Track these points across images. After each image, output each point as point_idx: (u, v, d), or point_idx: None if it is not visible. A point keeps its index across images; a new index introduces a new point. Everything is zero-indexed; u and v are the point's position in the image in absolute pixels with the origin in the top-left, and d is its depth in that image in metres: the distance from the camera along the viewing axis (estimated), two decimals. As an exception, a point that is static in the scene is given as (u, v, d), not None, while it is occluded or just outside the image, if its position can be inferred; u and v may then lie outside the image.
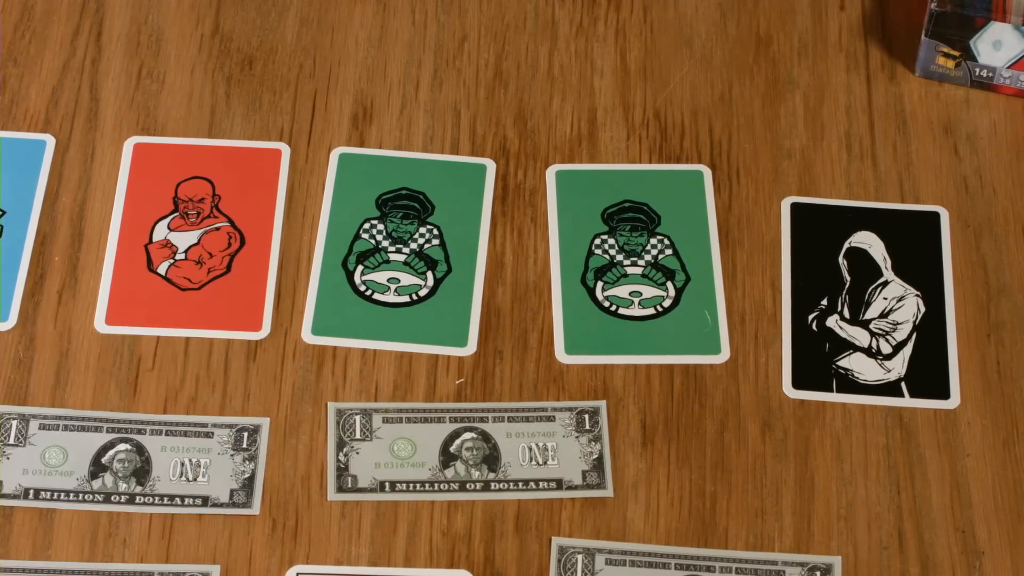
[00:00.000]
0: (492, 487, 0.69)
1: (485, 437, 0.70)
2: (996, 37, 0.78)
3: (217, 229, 0.76)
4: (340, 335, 0.73)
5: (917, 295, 0.74)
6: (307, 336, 0.73)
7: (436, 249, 0.76)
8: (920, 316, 0.74)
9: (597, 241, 0.76)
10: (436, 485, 0.68)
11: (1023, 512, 0.68)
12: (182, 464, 0.69)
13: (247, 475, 0.68)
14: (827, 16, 0.84)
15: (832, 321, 0.74)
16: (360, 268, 0.75)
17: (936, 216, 0.77)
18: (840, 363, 0.72)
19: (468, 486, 0.68)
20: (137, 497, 0.68)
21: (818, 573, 0.66)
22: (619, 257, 0.76)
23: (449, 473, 0.69)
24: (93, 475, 0.68)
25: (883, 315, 0.74)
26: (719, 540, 0.68)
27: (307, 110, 0.80)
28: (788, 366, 0.72)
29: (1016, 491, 0.69)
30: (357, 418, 0.70)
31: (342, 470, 0.69)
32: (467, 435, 0.70)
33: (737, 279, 0.75)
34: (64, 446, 0.69)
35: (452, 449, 0.69)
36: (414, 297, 0.74)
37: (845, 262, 0.75)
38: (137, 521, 0.68)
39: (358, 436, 0.70)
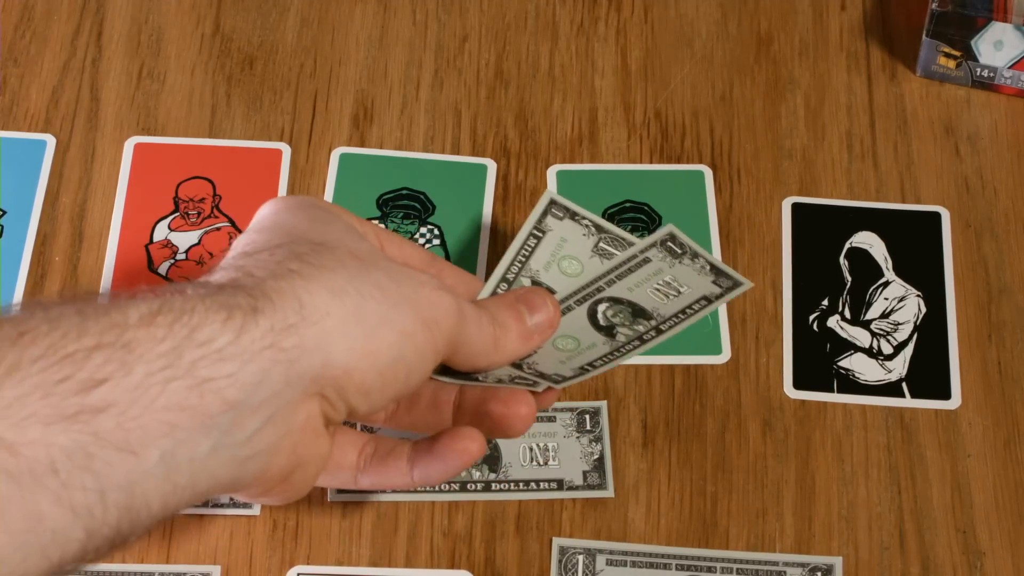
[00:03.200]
0: (493, 487, 0.68)
1: (486, 437, 0.70)
2: (997, 37, 0.78)
3: (218, 229, 0.76)
4: (341, 335, 0.73)
5: (918, 295, 0.74)
6: (308, 336, 0.73)
7: (437, 249, 0.76)
8: (921, 316, 0.74)
9: (598, 241, 0.76)
10: (437, 485, 0.68)
11: (1024, 513, 0.68)
12: (183, 464, 0.69)
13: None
14: (828, 16, 0.84)
15: (833, 321, 0.74)
16: (361, 268, 0.75)
17: (937, 216, 0.77)
18: (841, 363, 0.72)
19: (469, 486, 0.68)
20: (138, 497, 0.68)
21: (819, 574, 0.66)
22: (620, 257, 0.76)
23: (450, 473, 0.69)
24: (94, 475, 0.68)
25: (884, 315, 0.74)
26: (720, 540, 0.68)
27: (308, 110, 0.80)
28: (789, 366, 0.72)
29: (1017, 492, 0.69)
30: (358, 418, 0.70)
31: (343, 470, 0.69)
32: (468, 435, 0.70)
33: (738, 279, 0.75)
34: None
35: (453, 449, 0.69)
36: (415, 297, 0.74)
37: (846, 262, 0.75)
38: (138, 521, 0.67)
39: (359, 436, 0.70)
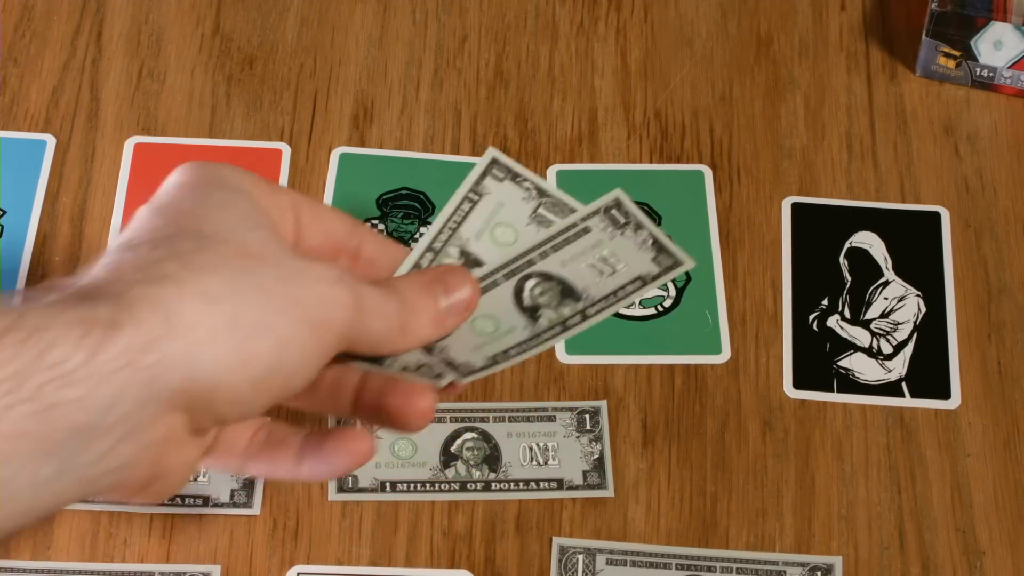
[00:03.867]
0: (493, 487, 0.69)
1: (486, 437, 0.70)
2: (997, 37, 0.78)
3: (218, 229, 0.76)
4: (341, 335, 0.73)
5: (918, 295, 0.74)
6: (308, 336, 0.73)
7: (437, 249, 0.75)
8: (921, 316, 0.74)
9: (598, 241, 0.76)
10: (437, 485, 0.68)
11: (1024, 512, 0.69)
12: (183, 464, 0.69)
13: (247, 475, 0.68)
14: (828, 16, 0.84)
15: (833, 321, 0.74)
16: (361, 268, 0.75)
17: (937, 216, 0.77)
18: (841, 363, 0.72)
19: (469, 486, 0.68)
20: (138, 497, 0.68)
21: (819, 573, 0.66)
22: (620, 257, 0.75)
23: (450, 473, 0.69)
24: (94, 475, 0.68)
25: (884, 315, 0.74)
26: (720, 540, 0.68)
27: (307, 110, 0.80)
28: (789, 366, 0.72)
29: (1017, 491, 0.69)
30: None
31: (343, 470, 0.69)
32: (468, 435, 0.70)
33: (738, 279, 0.75)
34: (64, 446, 0.69)
35: (453, 449, 0.69)
36: (415, 297, 0.74)
37: (846, 262, 0.75)
38: (138, 521, 0.68)
39: (359, 436, 0.70)
